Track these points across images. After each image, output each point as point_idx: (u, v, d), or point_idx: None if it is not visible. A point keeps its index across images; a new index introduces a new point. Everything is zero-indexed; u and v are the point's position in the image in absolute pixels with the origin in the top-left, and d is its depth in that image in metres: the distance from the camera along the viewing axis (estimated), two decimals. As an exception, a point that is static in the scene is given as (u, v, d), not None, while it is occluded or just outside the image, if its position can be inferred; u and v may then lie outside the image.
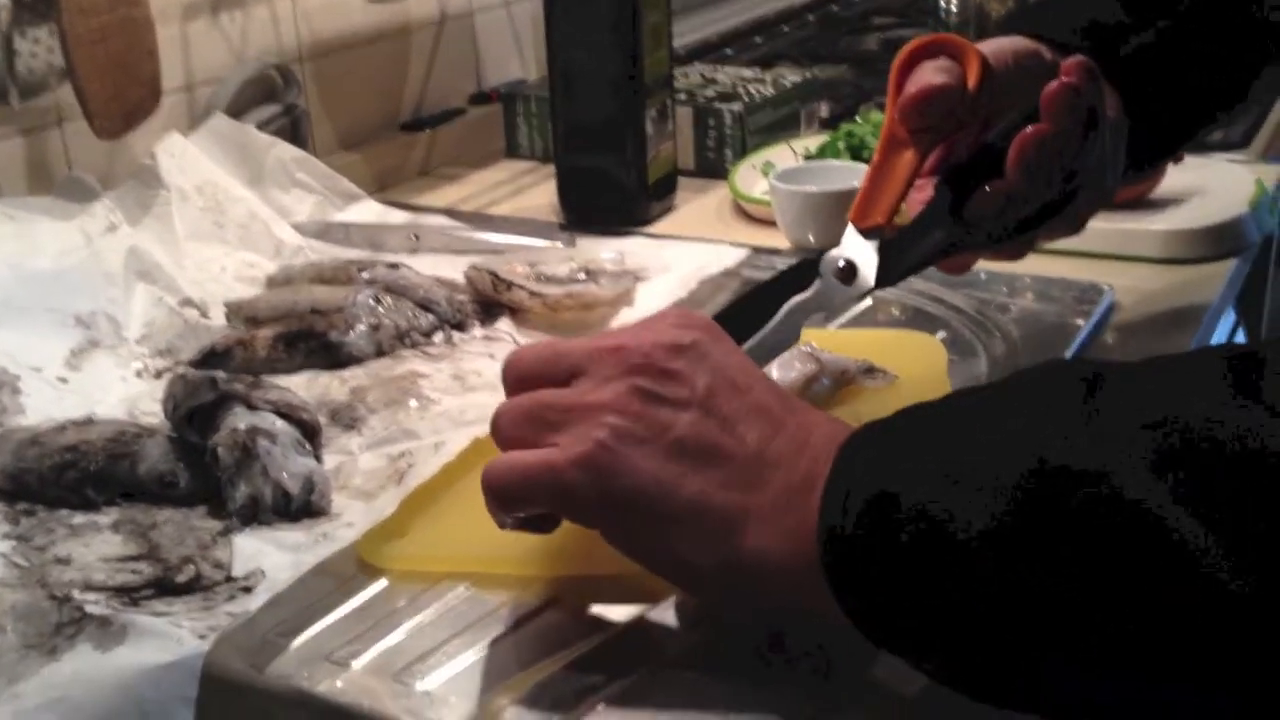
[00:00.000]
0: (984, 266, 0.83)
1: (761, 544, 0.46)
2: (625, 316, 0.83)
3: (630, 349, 0.50)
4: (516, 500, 0.50)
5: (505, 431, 0.51)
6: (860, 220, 0.62)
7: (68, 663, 0.53)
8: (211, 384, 0.66)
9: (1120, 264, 0.89)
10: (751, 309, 0.64)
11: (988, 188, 0.62)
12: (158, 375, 0.81)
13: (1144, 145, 0.69)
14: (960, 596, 0.41)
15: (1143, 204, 0.92)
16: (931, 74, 0.61)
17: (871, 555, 0.43)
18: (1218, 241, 0.89)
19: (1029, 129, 0.60)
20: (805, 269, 0.64)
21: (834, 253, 0.63)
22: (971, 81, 0.62)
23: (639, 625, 0.53)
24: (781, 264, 0.91)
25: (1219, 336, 0.91)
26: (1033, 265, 0.86)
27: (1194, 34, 0.70)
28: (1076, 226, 0.68)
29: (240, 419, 0.65)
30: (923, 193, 0.65)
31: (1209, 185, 0.95)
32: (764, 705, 0.47)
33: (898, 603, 0.43)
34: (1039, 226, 0.66)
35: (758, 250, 0.93)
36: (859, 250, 0.62)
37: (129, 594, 0.57)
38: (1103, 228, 0.89)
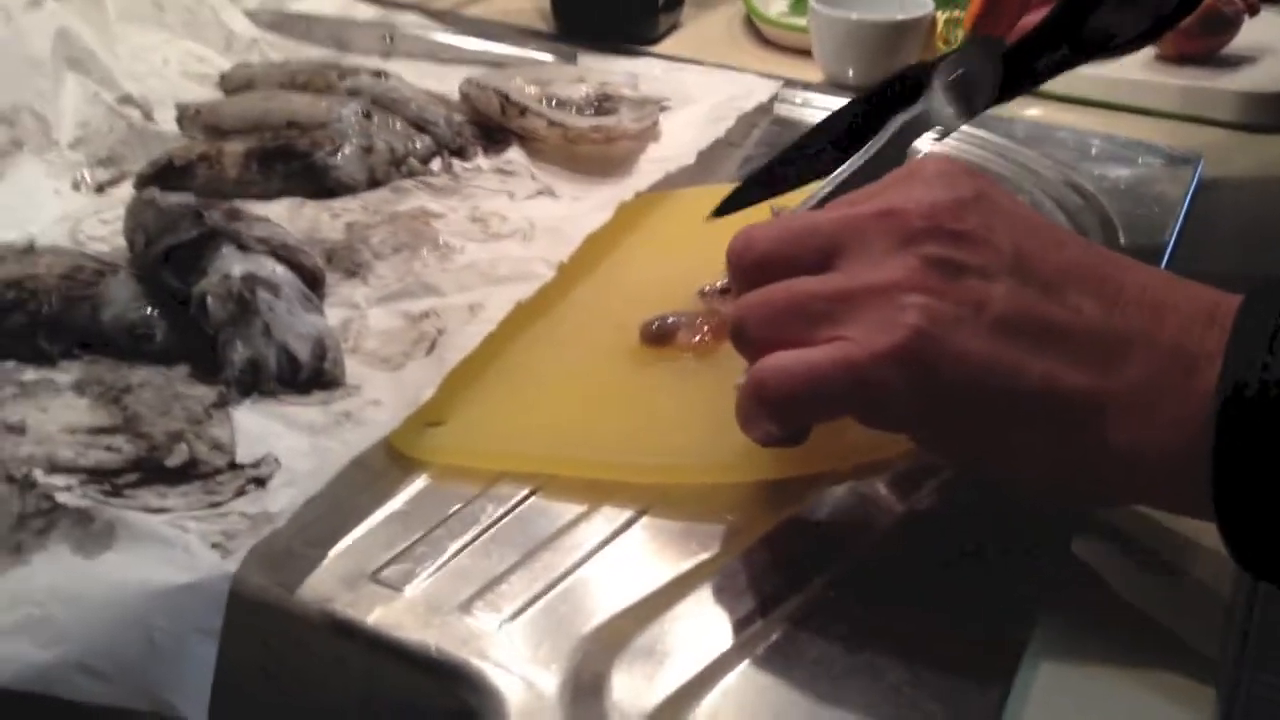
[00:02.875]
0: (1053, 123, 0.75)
1: (1130, 436, 0.38)
2: (651, 152, 0.72)
3: (904, 212, 0.40)
4: (803, 410, 0.41)
5: (757, 333, 0.41)
6: (980, 29, 0.58)
7: (41, 569, 0.43)
8: (196, 217, 0.54)
9: (1187, 126, 0.80)
10: (845, 129, 0.56)
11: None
12: (99, 189, 0.68)
13: None
14: None
15: (1212, 60, 0.84)
16: None
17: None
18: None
19: None
20: (910, 84, 0.57)
21: (948, 63, 0.56)
22: None
23: (756, 544, 0.44)
24: (820, 101, 0.81)
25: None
26: (1092, 121, 0.78)
27: None
28: None
29: (232, 263, 0.53)
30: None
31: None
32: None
33: None
34: (1154, 37, 0.60)
35: (790, 83, 0.82)
36: (975, 62, 0.56)
37: (108, 479, 0.46)
38: (1168, 83, 0.81)
